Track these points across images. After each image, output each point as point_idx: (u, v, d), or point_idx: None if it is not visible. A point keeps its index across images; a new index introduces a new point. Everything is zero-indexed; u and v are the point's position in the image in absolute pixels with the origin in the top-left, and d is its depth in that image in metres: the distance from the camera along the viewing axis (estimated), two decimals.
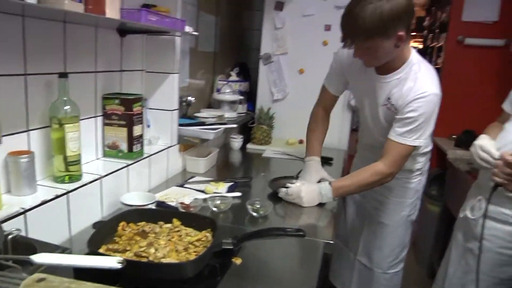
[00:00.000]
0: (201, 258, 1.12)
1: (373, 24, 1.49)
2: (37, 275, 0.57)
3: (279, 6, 2.86)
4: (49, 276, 0.57)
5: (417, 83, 1.67)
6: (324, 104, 2.07)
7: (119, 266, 0.69)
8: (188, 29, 1.78)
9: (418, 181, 2.04)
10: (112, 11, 1.30)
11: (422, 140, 1.71)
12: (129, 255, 1.17)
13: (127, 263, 0.92)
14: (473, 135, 1.59)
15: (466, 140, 2.92)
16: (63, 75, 1.32)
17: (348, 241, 2.32)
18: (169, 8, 1.75)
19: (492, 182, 1.42)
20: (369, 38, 1.54)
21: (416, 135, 1.69)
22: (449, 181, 3.02)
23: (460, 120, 3.20)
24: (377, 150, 1.83)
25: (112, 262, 0.69)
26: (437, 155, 3.29)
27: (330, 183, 1.81)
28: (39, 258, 0.67)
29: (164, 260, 1.14)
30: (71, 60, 1.43)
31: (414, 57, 1.73)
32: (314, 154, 2.03)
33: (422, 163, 2.01)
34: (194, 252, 1.20)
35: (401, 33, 1.55)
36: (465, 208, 1.68)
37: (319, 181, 1.90)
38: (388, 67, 1.73)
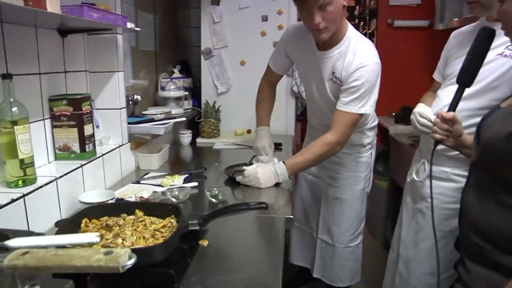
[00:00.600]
0: (170, 241, 1.14)
1: None
2: (20, 250, 0.58)
3: (216, 1, 2.89)
4: (32, 249, 0.58)
5: (357, 54, 1.79)
6: (269, 79, 2.20)
7: (98, 239, 0.70)
8: (130, 25, 1.78)
9: (369, 155, 2.16)
10: (52, 6, 1.28)
11: (368, 108, 1.82)
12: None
13: None
14: (411, 110, 1.71)
15: (405, 115, 3.10)
16: (6, 76, 1.30)
17: (308, 221, 2.40)
18: (108, 6, 1.74)
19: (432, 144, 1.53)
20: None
21: (361, 103, 1.80)
22: (393, 155, 3.18)
23: (398, 97, 3.38)
24: (327, 129, 1.92)
25: (91, 237, 0.71)
26: (380, 132, 3.44)
27: (284, 162, 1.87)
28: (15, 242, 0.67)
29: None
30: (12, 62, 1.40)
31: (351, 32, 1.86)
32: (264, 124, 2.15)
33: (371, 137, 2.14)
34: (162, 237, 1.21)
35: None
36: (411, 172, 1.80)
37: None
38: (330, 42, 1.84)
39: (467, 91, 1.38)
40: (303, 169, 2.13)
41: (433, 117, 1.55)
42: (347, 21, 1.88)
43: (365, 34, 4.63)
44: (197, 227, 1.26)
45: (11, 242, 0.67)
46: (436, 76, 1.85)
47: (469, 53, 1.31)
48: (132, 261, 0.59)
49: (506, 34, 1.19)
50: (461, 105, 1.36)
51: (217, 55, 3.00)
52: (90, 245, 0.90)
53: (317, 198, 2.32)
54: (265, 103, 2.22)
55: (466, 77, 1.31)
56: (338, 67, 1.85)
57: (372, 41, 4.18)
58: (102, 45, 1.88)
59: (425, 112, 1.59)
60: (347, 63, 1.81)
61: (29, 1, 1.19)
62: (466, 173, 1.32)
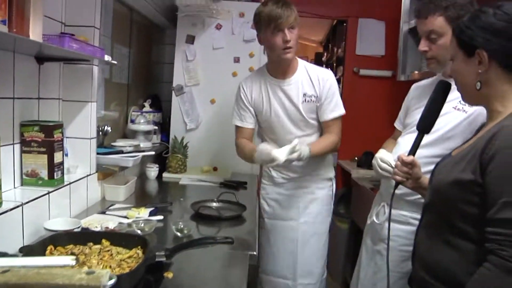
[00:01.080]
0: (136, 271, 1.15)
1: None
2: (1, 268, 0.59)
3: (190, 40, 2.98)
4: (13, 268, 0.59)
5: (317, 71, 2.19)
6: (243, 137, 2.28)
7: (73, 263, 0.72)
8: (107, 58, 1.82)
9: (333, 187, 2.39)
10: (35, 35, 1.32)
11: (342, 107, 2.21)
12: None
13: None
14: (372, 155, 1.81)
15: (366, 160, 3.21)
16: None
17: (280, 271, 2.36)
18: (87, 38, 1.79)
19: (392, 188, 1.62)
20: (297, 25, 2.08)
21: (340, 104, 2.19)
22: (355, 198, 3.28)
23: (360, 143, 3.50)
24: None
25: (66, 260, 0.72)
26: (343, 176, 3.55)
27: (309, 149, 2.02)
28: None
29: None
30: None
31: (301, 60, 2.24)
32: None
33: (334, 170, 2.42)
34: (128, 267, 1.22)
35: None
36: (371, 215, 1.88)
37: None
38: (288, 71, 2.17)
39: (426, 140, 1.48)
40: (319, 154, 2.15)
41: (393, 162, 1.64)
42: None
43: None
44: (164, 259, 1.27)
45: None
46: (397, 124, 1.96)
47: (428, 102, 1.42)
48: (112, 281, 0.61)
49: (458, 90, 1.31)
50: (420, 152, 1.46)
51: (188, 92, 3.06)
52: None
53: (290, 242, 2.32)
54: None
55: (425, 125, 1.42)
56: (307, 88, 2.15)
57: (339, 87, 4.38)
58: (77, 75, 1.91)
59: (386, 157, 1.68)
60: (315, 81, 2.15)
61: (13, 28, 1.22)
62: None
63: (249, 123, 2.27)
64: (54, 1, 1.73)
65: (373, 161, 1.75)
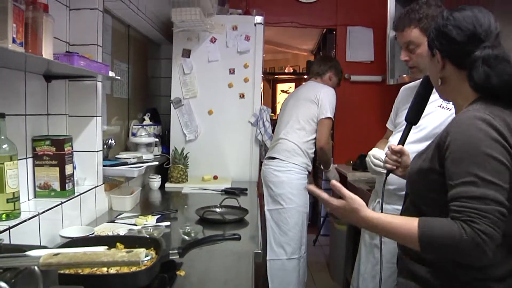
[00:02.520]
0: (153, 267, 1.23)
1: None
2: (51, 252, 0.67)
3: (186, 54, 3.09)
4: (61, 251, 0.68)
5: None
6: None
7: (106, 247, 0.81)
8: (111, 74, 1.92)
9: None
10: (47, 54, 1.42)
11: None
12: None
13: (84, 277, 1.04)
14: None
15: (362, 163, 3.31)
16: (0, 115, 1.40)
17: None
18: (91, 55, 1.89)
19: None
20: None
21: None
22: None
23: (355, 146, 3.61)
24: None
25: (100, 249, 0.81)
26: (339, 179, 3.64)
27: None
28: (36, 253, 0.77)
29: None
30: (3, 103, 1.50)
31: None
32: None
33: None
34: (144, 266, 1.31)
35: None
36: None
37: None
38: None
39: (414, 137, 1.59)
40: None
41: None
42: None
43: None
44: (177, 256, 1.36)
45: (33, 253, 0.77)
46: (388, 125, 2.07)
47: (414, 96, 1.53)
48: (148, 257, 0.71)
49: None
50: (409, 148, 1.56)
51: (186, 105, 3.16)
52: None
53: None
54: None
55: (412, 116, 1.52)
56: None
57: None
58: (82, 91, 2.00)
59: (378, 154, 1.78)
60: None
61: (28, 49, 1.32)
62: None
63: None
64: (59, 23, 1.83)
65: (367, 158, 1.86)
